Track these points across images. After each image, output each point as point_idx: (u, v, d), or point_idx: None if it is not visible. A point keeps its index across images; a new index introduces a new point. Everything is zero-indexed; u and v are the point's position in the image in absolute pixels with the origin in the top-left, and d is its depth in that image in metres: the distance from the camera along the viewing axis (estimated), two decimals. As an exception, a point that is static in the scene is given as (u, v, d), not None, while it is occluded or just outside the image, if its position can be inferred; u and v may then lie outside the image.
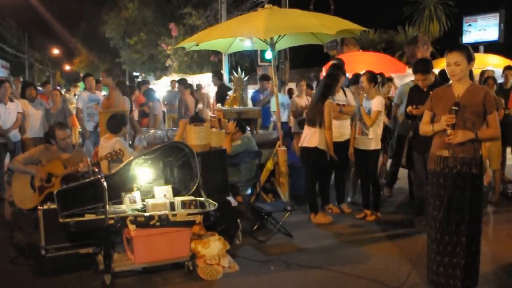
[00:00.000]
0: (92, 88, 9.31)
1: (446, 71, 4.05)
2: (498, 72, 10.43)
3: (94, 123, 8.78)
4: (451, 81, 4.10)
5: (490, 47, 15.52)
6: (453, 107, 3.88)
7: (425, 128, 4.19)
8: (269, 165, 7.09)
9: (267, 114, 9.21)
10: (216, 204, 4.67)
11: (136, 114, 10.55)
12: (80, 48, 41.44)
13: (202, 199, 4.74)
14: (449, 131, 3.92)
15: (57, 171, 5.44)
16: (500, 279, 4.52)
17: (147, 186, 4.82)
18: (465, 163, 3.92)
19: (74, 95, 14.66)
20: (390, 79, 8.14)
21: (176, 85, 13.29)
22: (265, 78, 9.66)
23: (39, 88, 11.94)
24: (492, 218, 6.51)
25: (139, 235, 4.38)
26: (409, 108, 5.81)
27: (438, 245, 4.02)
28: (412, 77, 6.62)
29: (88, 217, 4.32)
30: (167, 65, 23.71)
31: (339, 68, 6.75)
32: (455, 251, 3.95)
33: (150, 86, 19.06)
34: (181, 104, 11.66)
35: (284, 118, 9.61)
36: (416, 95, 5.90)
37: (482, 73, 8.56)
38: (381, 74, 7.70)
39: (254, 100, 9.37)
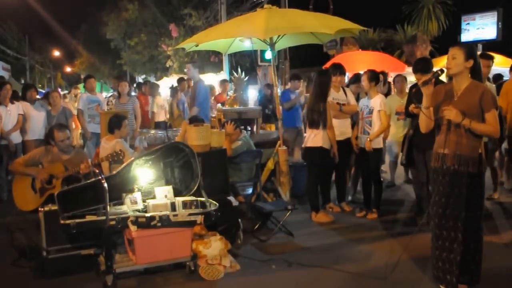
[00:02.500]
0: (93, 89, 9.34)
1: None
2: (497, 70, 10.44)
3: (95, 124, 8.80)
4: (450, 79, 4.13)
5: (489, 46, 15.53)
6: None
7: (421, 119, 4.20)
8: (270, 164, 7.10)
9: (297, 115, 9.05)
10: (217, 204, 4.68)
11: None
12: (81, 49, 41.45)
13: (203, 199, 4.75)
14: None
15: (58, 172, 5.46)
16: (504, 278, 4.52)
17: (148, 187, 4.83)
18: (462, 161, 3.93)
19: (75, 96, 14.64)
20: None
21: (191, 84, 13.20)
22: (296, 77, 9.46)
23: (41, 90, 11.96)
24: (494, 216, 6.49)
25: (140, 235, 4.38)
26: (411, 106, 5.81)
27: (437, 240, 4.06)
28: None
29: (89, 218, 4.33)
30: (167, 66, 23.72)
31: (330, 68, 6.79)
32: (452, 247, 3.98)
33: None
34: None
35: None
36: (416, 93, 5.88)
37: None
38: (383, 73, 7.70)
39: (284, 99, 9.18)
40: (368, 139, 6.29)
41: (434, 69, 6.23)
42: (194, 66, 8.16)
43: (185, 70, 9.60)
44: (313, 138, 6.34)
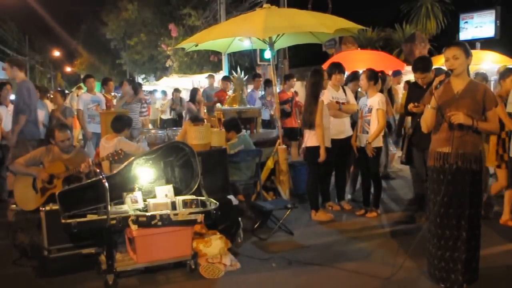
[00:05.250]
0: (93, 89, 9.35)
1: (445, 67, 4.07)
2: (496, 68, 10.52)
3: (95, 124, 8.82)
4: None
5: (487, 44, 15.59)
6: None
7: (426, 118, 4.17)
8: (270, 163, 7.13)
9: None
10: (217, 203, 4.70)
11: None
12: (81, 49, 41.52)
13: (203, 198, 4.77)
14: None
15: (59, 172, 5.48)
16: (501, 274, 4.54)
17: (149, 186, 4.85)
18: (465, 159, 3.96)
19: (77, 96, 14.70)
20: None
21: (215, 81, 12.91)
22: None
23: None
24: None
25: (141, 234, 4.41)
26: (410, 105, 5.82)
27: (439, 240, 4.06)
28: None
29: (90, 217, 4.35)
30: (167, 65, 23.78)
31: (328, 67, 6.82)
32: (456, 246, 3.98)
33: (152, 87, 19.14)
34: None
35: None
36: (415, 92, 5.90)
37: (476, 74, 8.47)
38: (382, 72, 7.70)
39: None
40: (367, 142, 6.29)
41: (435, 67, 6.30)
42: (11, 64, 6.87)
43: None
44: (312, 137, 6.36)
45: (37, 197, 5.48)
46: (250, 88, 13.35)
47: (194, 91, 11.96)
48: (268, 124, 10.02)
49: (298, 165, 7.50)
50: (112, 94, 11.61)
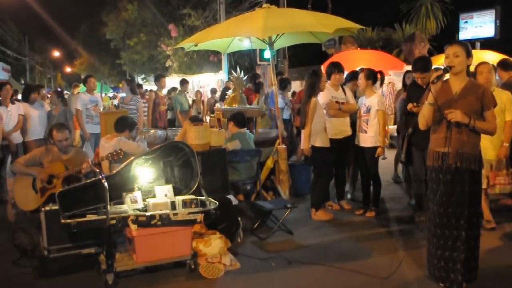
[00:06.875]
0: (93, 89, 9.35)
1: (444, 64, 4.07)
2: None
3: (93, 124, 8.81)
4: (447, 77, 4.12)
5: (487, 44, 15.60)
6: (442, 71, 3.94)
7: (423, 115, 4.16)
8: (269, 163, 7.13)
9: None
10: (217, 202, 4.70)
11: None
12: (81, 50, 41.55)
13: (202, 198, 4.77)
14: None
15: (59, 172, 5.48)
16: (499, 273, 4.55)
17: (148, 186, 4.85)
18: (464, 159, 3.96)
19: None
20: None
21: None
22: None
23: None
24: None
25: (140, 234, 4.41)
26: (409, 105, 5.83)
27: (438, 240, 4.06)
28: None
29: (90, 217, 4.35)
30: (167, 65, 23.78)
31: (319, 69, 6.84)
32: (455, 245, 3.98)
33: (150, 87, 19.16)
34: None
35: None
36: (415, 92, 5.91)
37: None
38: (381, 72, 7.69)
39: None
40: (380, 147, 6.32)
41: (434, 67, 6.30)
42: None
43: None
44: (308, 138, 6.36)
45: (37, 197, 5.49)
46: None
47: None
48: (289, 123, 9.92)
49: (298, 165, 7.50)
50: (111, 94, 11.61)
